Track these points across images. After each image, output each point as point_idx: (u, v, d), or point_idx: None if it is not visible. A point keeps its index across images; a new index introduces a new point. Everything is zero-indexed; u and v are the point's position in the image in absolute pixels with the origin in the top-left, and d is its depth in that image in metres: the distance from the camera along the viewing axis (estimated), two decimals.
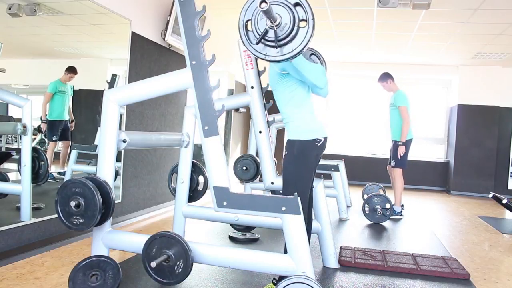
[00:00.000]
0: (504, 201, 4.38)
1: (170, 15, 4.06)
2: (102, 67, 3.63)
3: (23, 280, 2.26)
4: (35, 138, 3.17)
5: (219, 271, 2.56)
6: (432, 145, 8.25)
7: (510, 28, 5.07)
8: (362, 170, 7.33)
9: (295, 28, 1.73)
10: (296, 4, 1.72)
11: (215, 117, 1.94)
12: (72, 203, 1.92)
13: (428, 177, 8.01)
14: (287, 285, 1.73)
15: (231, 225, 3.54)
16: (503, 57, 6.65)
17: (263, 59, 1.82)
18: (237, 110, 6.55)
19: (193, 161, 2.86)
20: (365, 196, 5.49)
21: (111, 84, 3.57)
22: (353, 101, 8.59)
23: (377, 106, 8.45)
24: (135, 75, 3.69)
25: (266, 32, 1.75)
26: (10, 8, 2.55)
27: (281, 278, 2.15)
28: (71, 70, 3.30)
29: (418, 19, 4.98)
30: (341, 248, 3.19)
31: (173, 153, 4.55)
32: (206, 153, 1.96)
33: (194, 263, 1.89)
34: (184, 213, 2.87)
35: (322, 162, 5.01)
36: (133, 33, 3.63)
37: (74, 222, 1.95)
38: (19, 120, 2.72)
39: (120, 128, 2.11)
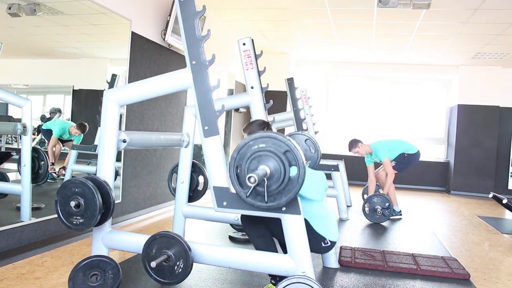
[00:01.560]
0: (504, 201, 4.38)
1: (170, 15, 4.06)
2: (102, 67, 3.63)
3: (23, 280, 2.26)
4: (35, 138, 3.17)
5: (219, 271, 2.56)
6: (432, 145, 8.26)
7: (510, 28, 5.07)
8: (362, 170, 7.30)
9: (286, 177, 1.69)
10: (286, 151, 1.69)
11: (215, 117, 1.94)
12: (72, 203, 1.92)
13: (428, 177, 8.02)
14: (287, 285, 1.73)
15: (231, 225, 3.54)
16: (503, 57, 6.65)
17: (252, 206, 1.78)
18: (237, 110, 6.55)
19: (193, 161, 2.86)
20: (365, 196, 5.50)
21: (111, 84, 3.57)
22: (353, 101, 8.60)
23: (377, 106, 8.46)
24: (135, 75, 3.69)
25: (256, 184, 1.69)
26: (10, 8, 2.55)
27: (279, 278, 2.16)
28: (82, 128, 3.36)
29: (418, 19, 4.98)
30: (341, 248, 3.19)
31: (173, 153, 4.55)
32: (206, 153, 1.96)
33: (194, 263, 1.89)
34: (184, 213, 2.87)
35: (322, 162, 5.01)
36: (133, 33, 3.63)
37: (74, 222, 1.95)
38: (19, 120, 2.72)
39: (120, 128, 2.11)
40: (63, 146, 3.38)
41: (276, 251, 2.12)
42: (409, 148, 4.73)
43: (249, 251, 1.95)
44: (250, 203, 1.76)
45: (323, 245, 2.25)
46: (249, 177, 1.60)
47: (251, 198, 1.75)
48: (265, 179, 1.68)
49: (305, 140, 2.95)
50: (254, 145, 1.72)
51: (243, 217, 2.16)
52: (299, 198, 1.82)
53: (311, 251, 2.19)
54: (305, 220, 2.14)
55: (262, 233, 2.16)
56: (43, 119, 3.28)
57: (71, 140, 3.41)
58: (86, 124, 3.39)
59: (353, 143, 4.84)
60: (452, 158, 7.68)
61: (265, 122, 2.49)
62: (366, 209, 4.36)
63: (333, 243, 2.29)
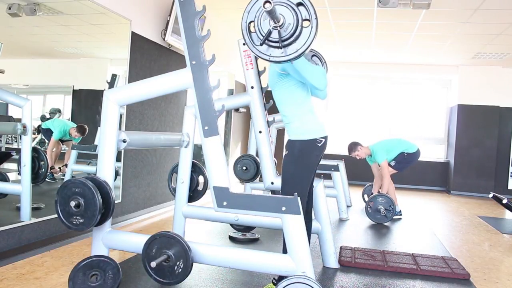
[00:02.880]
0: (504, 201, 4.38)
1: (170, 15, 4.06)
2: (102, 67, 3.63)
3: (23, 280, 2.26)
4: (35, 138, 3.17)
5: (219, 271, 2.56)
6: (432, 145, 8.26)
7: (510, 28, 5.07)
8: (362, 170, 7.32)
9: (299, 28, 1.72)
10: (299, 4, 1.72)
11: (215, 117, 1.94)
12: (72, 203, 1.92)
13: (428, 177, 8.02)
14: (287, 285, 1.73)
15: (231, 225, 3.54)
16: (503, 57, 6.65)
17: (267, 60, 1.81)
18: (237, 110, 6.55)
19: (193, 161, 2.86)
20: (365, 196, 5.50)
21: (111, 84, 3.57)
22: (353, 101, 8.60)
23: (377, 106, 8.46)
24: (135, 75, 3.69)
25: (269, 33, 1.75)
26: (10, 8, 2.55)
27: (281, 278, 2.16)
28: (82, 131, 3.36)
29: (418, 19, 4.98)
30: (341, 248, 3.19)
31: (173, 153, 4.55)
32: (206, 153, 1.96)
33: (194, 263, 1.89)
34: (184, 213, 2.87)
35: (322, 162, 4.99)
36: (133, 33, 3.63)
37: (74, 222, 1.95)
38: (19, 120, 2.72)
39: (120, 128, 2.11)
40: (63, 144, 3.38)
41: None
42: (409, 147, 4.74)
43: (249, 251, 1.95)
44: (261, 53, 1.79)
45: (318, 145, 2.25)
46: (265, 3, 1.58)
47: (264, 49, 1.78)
48: (278, 27, 1.71)
49: (312, 56, 2.93)
50: None
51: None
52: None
53: (317, 157, 2.27)
54: (293, 142, 2.24)
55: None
56: (43, 119, 3.28)
57: (70, 140, 3.41)
58: (86, 126, 3.39)
59: (352, 147, 4.85)
60: (452, 158, 7.68)
61: None
62: (369, 208, 4.36)
63: (325, 138, 2.30)
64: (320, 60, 2.91)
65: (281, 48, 1.76)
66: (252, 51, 1.82)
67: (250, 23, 1.80)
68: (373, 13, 4.90)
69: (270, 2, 1.57)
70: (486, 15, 4.68)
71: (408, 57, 7.26)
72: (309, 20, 1.72)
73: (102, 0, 3.19)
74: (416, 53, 6.86)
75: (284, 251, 2.13)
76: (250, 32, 1.81)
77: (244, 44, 3.04)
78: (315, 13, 1.72)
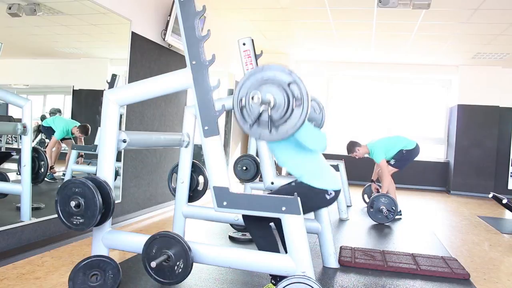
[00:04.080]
0: (504, 201, 4.38)
1: (170, 15, 4.06)
2: (102, 67, 3.63)
3: (23, 280, 2.26)
4: (36, 136, 3.18)
5: (219, 271, 2.56)
6: (432, 145, 8.26)
7: (510, 28, 5.07)
8: (362, 170, 7.33)
9: (290, 108, 1.69)
10: (290, 83, 1.69)
11: (215, 117, 1.94)
12: (72, 203, 1.92)
13: (428, 177, 8.02)
14: (287, 285, 1.73)
15: (231, 225, 3.54)
16: (503, 57, 6.65)
17: (257, 139, 1.80)
18: None
19: (193, 161, 2.86)
20: (365, 196, 5.49)
21: (111, 84, 3.57)
22: (353, 101, 8.60)
23: (377, 106, 8.46)
24: (135, 75, 3.69)
25: (260, 114, 1.73)
26: (10, 8, 2.55)
27: (275, 277, 2.16)
28: (85, 131, 3.34)
29: (418, 19, 4.98)
30: (341, 248, 3.19)
31: (173, 153, 4.55)
32: (206, 153, 1.96)
33: (194, 263, 1.89)
34: (184, 213, 2.87)
35: None
36: (133, 33, 3.63)
37: (74, 222, 1.95)
38: (19, 120, 2.72)
39: (120, 128, 2.11)
40: (62, 143, 3.37)
41: (279, 251, 2.12)
42: (407, 144, 4.71)
43: (249, 251, 1.95)
44: (254, 133, 1.77)
45: (328, 197, 2.16)
46: (253, 96, 1.59)
47: (255, 128, 1.76)
48: (269, 108, 1.69)
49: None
50: (257, 76, 1.72)
51: (245, 217, 2.15)
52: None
53: (319, 208, 2.23)
54: (303, 183, 2.15)
55: (265, 232, 2.15)
56: (43, 119, 3.28)
57: (70, 138, 3.40)
58: (89, 126, 3.37)
59: (350, 147, 4.86)
60: (452, 158, 7.68)
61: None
62: (371, 208, 4.34)
63: (337, 192, 2.19)
64: (318, 106, 2.89)
65: (271, 131, 1.74)
66: (243, 128, 1.79)
67: (241, 99, 1.77)
68: (373, 13, 4.90)
69: (258, 96, 1.58)
70: (486, 15, 4.68)
71: (408, 57, 7.26)
72: (300, 99, 1.68)
73: (102, 0, 3.19)
74: (416, 53, 6.86)
75: (284, 249, 2.13)
76: (241, 108, 1.77)
77: (244, 44, 3.04)
78: (307, 92, 1.68)
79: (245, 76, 1.77)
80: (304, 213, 2.16)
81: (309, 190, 2.11)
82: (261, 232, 2.15)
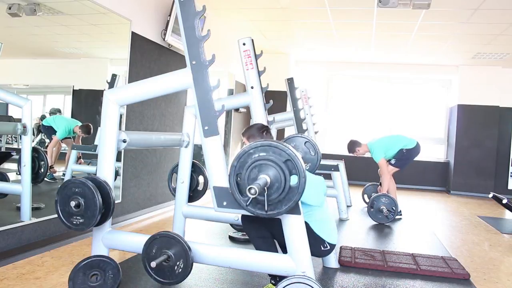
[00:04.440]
0: (504, 201, 4.38)
1: (170, 15, 4.06)
2: (102, 67, 3.63)
3: (23, 280, 2.26)
4: (37, 134, 3.18)
5: (219, 271, 2.56)
6: (432, 145, 8.26)
7: (510, 28, 5.07)
8: (362, 170, 7.33)
9: (287, 186, 1.68)
10: (287, 160, 1.69)
11: (215, 117, 1.94)
12: (72, 203, 1.92)
13: (428, 177, 8.01)
14: (287, 285, 1.73)
15: (231, 225, 3.54)
16: (503, 57, 6.65)
17: (252, 214, 1.78)
18: (237, 110, 6.55)
19: (193, 161, 2.86)
20: (365, 196, 5.49)
21: (111, 84, 3.57)
22: (353, 101, 8.60)
23: (377, 106, 8.46)
24: (135, 75, 3.69)
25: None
26: (10, 8, 2.55)
27: (275, 277, 2.16)
28: (87, 131, 3.34)
29: (418, 19, 4.98)
30: (341, 248, 3.19)
31: (173, 153, 4.55)
32: (206, 153, 1.96)
33: (194, 263, 1.89)
34: (184, 213, 2.87)
35: (322, 162, 5.00)
36: (133, 33, 3.63)
37: (74, 222, 1.95)
38: (19, 120, 2.72)
39: (120, 128, 2.11)
40: (62, 142, 3.36)
41: (277, 251, 2.12)
42: (408, 143, 4.70)
43: (249, 251, 1.95)
44: (250, 211, 1.76)
45: (322, 248, 2.27)
46: (250, 189, 1.59)
47: (251, 207, 1.75)
48: (265, 188, 1.67)
49: (305, 143, 2.93)
50: (255, 154, 1.72)
51: (244, 217, 2.16)
52: (299, 202, 1.82)
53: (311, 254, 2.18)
54: (305, 222, 2.14)
55: (263, 233, 2.16)
56: (44, 119, 3.28)
57: (70, 138, 3.40)
58: (91, 126, 3.36)
59: (351, 147, 4.86)
60: (452, 158, 7.68)
61: (264, 126, 2.48)
62: (371, 208, 4.34)
63: (332, 246, 2.30)
64: (314, 148, 2.89)
65: (267, 212, 1.73)
66: (239, 203, 1.77)
67: (237, 175, 1.76)
68: (373, 13, 4.90)
69: (255, 190, 1.58)
70: (486, 15, 4.68)
71: (408, 57, 7.26)
72: (297, 175, 1.67)
73: (102, 0, 3.19)
74: (416, 53, 6.86)
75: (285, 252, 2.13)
76: (238, 182, 1.76)
77: (244, 44, 3.04)
78: (304, 170, 1.67)
79: (242, 151, 1.74)
80: None
81: (309, 233, 2.10)
82: (259, 233, 2.15)
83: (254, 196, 1.62)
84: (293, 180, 1.69)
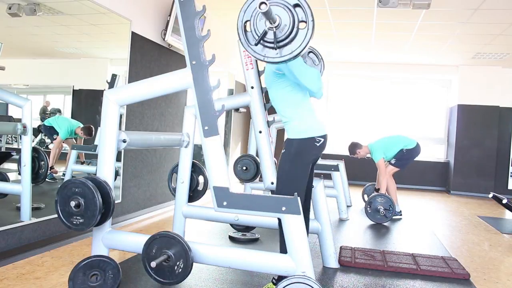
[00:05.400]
0: (504, 201, 4.38)
1: (170, 15, 4.06)
2: (102, 67, 3.63)
3: (23, 280, 2.26)
4: (38, 133, 3.18)
5: (219, 271, 2.56)
6: (432, 145, 8.26)
7: (510, 28, 5.07)
8: (362, 170, 7.33)
9: (295, 29, 1.71)
10: (296, 5, 1.71)
11: (215, 117, 1.94)
12: (72, 203, 1.92)
13: (428, 177, 8.02)
14: (287, 285, 1.73)
15: (231, 225, 3.54)
16: (503, 57, 6.65)
17: (262, 60, 1.81)
18: (237, 110, 6.55)
19: (193, 161, 2.86)
20: (365, 196, 5.49)
21: (111, 84, 3.57)
22: (353, 101, 8.60)
23: (377, 106, 8.46)
24: (135, 75, 3.69)
25: (265, 33, 1.73)
26: (10, 8, 2.55)
27: (280, 277, 2.15)
28: (89, 133, 3.36)
29: (418, 19, 4.98)
30: (341, 248, 3.19)
31: (173, 153, 4.55)
32: (206, 153, 1.96)
33: (194, 263, 1.89)
34: (184, 213, 2.87)
35: (322, 162, 5.01)
36: (133, 33, 3.63)
37: (74, 222, 1.95)
38: (19, 120, 2.72)
39: (120, 128, 2.11)
40: (63, 142, 3.37)
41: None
42: (408, 143, 4.72)
43: (249, 251, 1.95)
44: (258, 53, 1.76)
45: (317, 144, 2.22)
46: (260, 4, 1.56)
47: (259, 50, 1.76)
48: (274, 28, 1.68)
49: (308, 53, 2.92)
50: None
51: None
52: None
53: (314, 157, 2.24)
54: (291, 140, 2.21)
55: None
56: (43, 119, 3.28)
57: (71, 138, 3.41)
58: (93, 127, 3.37)
59: (352, 149, 4.88)
60: (452, 158, 7.68)
61: None
62: (368, 208, 4.36)
63: (324, 137, 2.26)
64: (317, 57, 2.91)
65: (276, 49, 1.75)
66: (247, 51, 1.80)
67: (246, 22, 1.78)
68: (373, 13, 4.90)
69: (266, 4, 1.56)
70: (486, 15, 4.68)
71: (408, 57, 7.26)
72: (305, 22, 1.70)
73: (102, 0, 3.19)
74: (416, 53, 6.86)
75: (282, 250, 2.13)
76: (245, 31, 1.79)
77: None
78: (312, 14, 1.70)
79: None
80: (308, 169, 2.25)
81: (298, 143, 2.19)
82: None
83: (264, 11, 1.58)
84: (302, 26, 1.70)
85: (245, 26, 1.79)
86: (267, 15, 1.64)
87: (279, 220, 2.11)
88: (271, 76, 2.27)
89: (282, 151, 2.27)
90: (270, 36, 1.73)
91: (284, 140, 2.35)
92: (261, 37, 1.74)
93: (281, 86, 2.24)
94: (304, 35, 1.70)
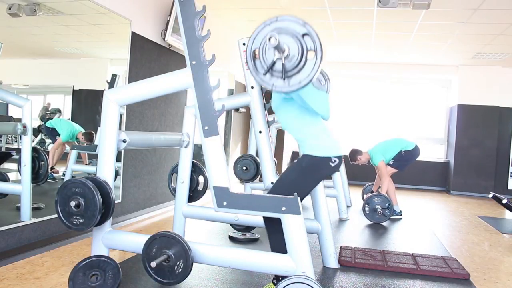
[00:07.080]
0: (504, 201, 4.38)
1: (170, 15, 4.06)
2: (102, 67, 3.63)
3: (23, 280, 2.26)
4: (39, 133, 3.18)
5: (219, 271, 2.56)
6: (432, 145, 8.26)
7: (510, 28, 5.07)
8: (362, 170, 7.33)
9: (303, 60, 1.69)
10: (305, 35, 1.69)
11: (215, 117, 1.94)
12: (72, 203, 1.92)
13: (428, 177, 8.02)
14: (287, 285, 1.73)
15: (231, 225, 3.54)
16: (503, 57, 6.65)
17: (270, 89, 1.79)
18: (237, 110, 6.55)
19: (193, 161, 2.86)
20: (365, 196, 5.50)
21: (111, 84, 3.57)
22: (353, 101, 8.60)
23: (377, 106, 8.46)
24: (135, 75, 3.69)
25: (273, 63, 1.73)
26: (10, 8, 2.55)
27: (279, 277, 2.15)
28: (90, 138, 3.37)
29: (418, 19, 4.98)
30: (341, 248, 3.19)
31: (173, 153, 4.55)
32: (206, 153, 1.96)
33: (194, 263, 1.89)
34: (184, 213, 2.87)
35: None
36: (133, 33, 3.63)
37: (74, 222, 1.95)
38: (19, 120, 2.72)
39: (120, 128, 2.11)
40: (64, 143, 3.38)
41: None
42: (406, 145, 4.75)
43: (249, 251, 1.95)
44: (267, 82, 1.76)
45: (332, 165, 2.15)
46: (270, 38, 1.57)
47: (267, 79, 1.75)
48: (283, 57, 1.68)
49: None
50: (271, 26, 1.70)
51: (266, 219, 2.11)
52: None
53: (325, 176, 2.19)
54: (306, 155, 2.16)
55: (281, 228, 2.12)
56: (43, 119, 3.28)
57: (71, 141, 3.41)
58: (94, 133, 3.38)
59: (353, 155, 4.92)
60: (452, 158, 7.68)
61: None
62: (366, 209, 4.37)
63: (340, 158, 2.19)
64: (324, 77, 2.89)
65: (284, 79, 1.74)
66: (255, 79, 1.80)
67: (255, 50, 1.77)
68: (373, 13, 4.90)
69: (275, 38, 1.57)
70: (486, 15, 4.68)
71: (408, 57, 7.26)
72: (314, 51, 1.69)
73: (102, 0, 3.19)
74: (415, 53, 6.86)
75: (273, 249, 2.11)
76: (254, 59, 1.78)
77: (244, 44, 3.04)
78: (321, 44, 1.68)
79: (259, 26, 1.76)
80: (313, 186, 2.22)
81: (312, 159, 2.12)
82: (279, 228, 2.10)
83: (273, 46, 1.59)
84: (310, 55, 1.70)
85: (254, 54, 1.78)
86: (277, 47, 1.65)
87: (265, 219, 2.12)
88: (278, 101, 2.24)
89: (294, 161, 2.21)
90: (278, 67, 1.72)
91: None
92: (269, 67, 1.73)
93: (289, 109, 2.20)
94: (312, 65, 1.69)
